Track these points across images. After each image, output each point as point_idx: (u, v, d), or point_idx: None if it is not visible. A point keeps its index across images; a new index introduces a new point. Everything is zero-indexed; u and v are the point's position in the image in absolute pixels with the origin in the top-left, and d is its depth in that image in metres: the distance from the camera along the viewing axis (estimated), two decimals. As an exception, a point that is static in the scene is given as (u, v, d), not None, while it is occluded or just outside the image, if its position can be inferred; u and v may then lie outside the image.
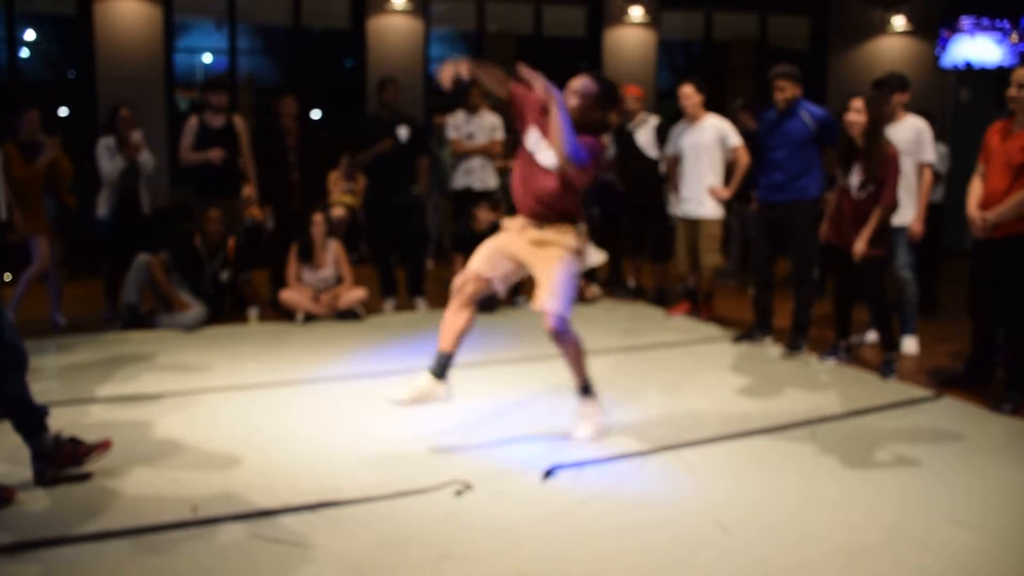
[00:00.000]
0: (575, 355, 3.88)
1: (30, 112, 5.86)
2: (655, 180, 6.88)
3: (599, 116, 3.83)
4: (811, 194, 5.42)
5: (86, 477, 3.36)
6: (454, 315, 3.82)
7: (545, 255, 3.77)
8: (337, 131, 6.78)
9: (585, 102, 3.76)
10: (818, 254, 5.58)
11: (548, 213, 3.79)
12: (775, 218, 5.52)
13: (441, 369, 3.77)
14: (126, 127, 6.17)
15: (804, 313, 5.45)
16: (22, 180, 5.61)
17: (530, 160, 3.84)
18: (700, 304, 6.51)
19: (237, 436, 3.89)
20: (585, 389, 3.98)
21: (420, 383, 3.76)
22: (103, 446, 3.45)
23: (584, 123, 3.75)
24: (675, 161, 6.38)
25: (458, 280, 3.85)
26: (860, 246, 4.86)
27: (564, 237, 3.79)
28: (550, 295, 3.68)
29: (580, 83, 3.78)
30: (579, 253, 3.84)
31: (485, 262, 3.85)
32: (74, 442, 3.39)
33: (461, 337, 3.81)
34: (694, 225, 6.25)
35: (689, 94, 6.12)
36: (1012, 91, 4.41)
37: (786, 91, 5.38)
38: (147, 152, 6.31)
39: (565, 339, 3.77)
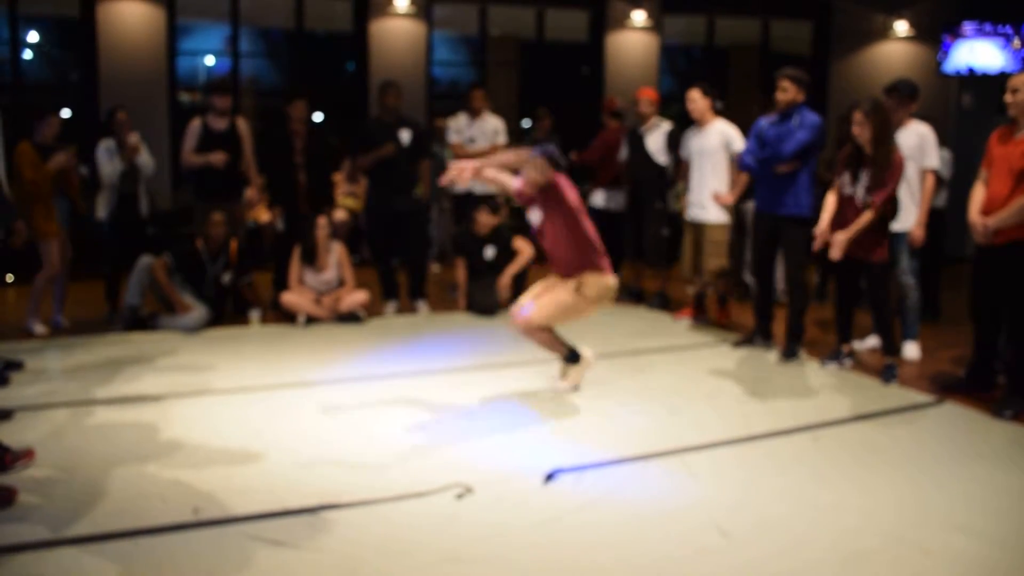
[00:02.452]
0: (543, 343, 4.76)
1: (53, 118, 5.93)
2: (660, 185, 6.87)
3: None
4: (801, 201, 5.39)
5: (9, 490, 3.16)
6: None
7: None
8: (340, 134, 6.76)
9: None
10: (807, 261, 5.54)
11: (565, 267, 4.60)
12: (769, 227, 5.51)
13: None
14: (123, 129, 6.19)
15: (798, 319, 5.44)
16: (33, 181, 5.64)
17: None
18: (717, 308, 6.43)
19: (238, 438, 3.89)
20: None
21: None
22: (27, 455, 3.43)
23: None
24: (687, 165, 6.38)
25: None
26: (841, 238, 4.84)
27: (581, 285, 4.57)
28: (531, 306, 4.58)
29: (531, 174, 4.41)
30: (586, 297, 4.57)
31: None
32: (1, 449, 3.34)
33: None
34: (699, 230, 6.25)
35: (695, 98, 6.11)
36: (1008, 96, 4.42)
37: (788, 92, 5.37)
38: (146, 154, 6.31)
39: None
